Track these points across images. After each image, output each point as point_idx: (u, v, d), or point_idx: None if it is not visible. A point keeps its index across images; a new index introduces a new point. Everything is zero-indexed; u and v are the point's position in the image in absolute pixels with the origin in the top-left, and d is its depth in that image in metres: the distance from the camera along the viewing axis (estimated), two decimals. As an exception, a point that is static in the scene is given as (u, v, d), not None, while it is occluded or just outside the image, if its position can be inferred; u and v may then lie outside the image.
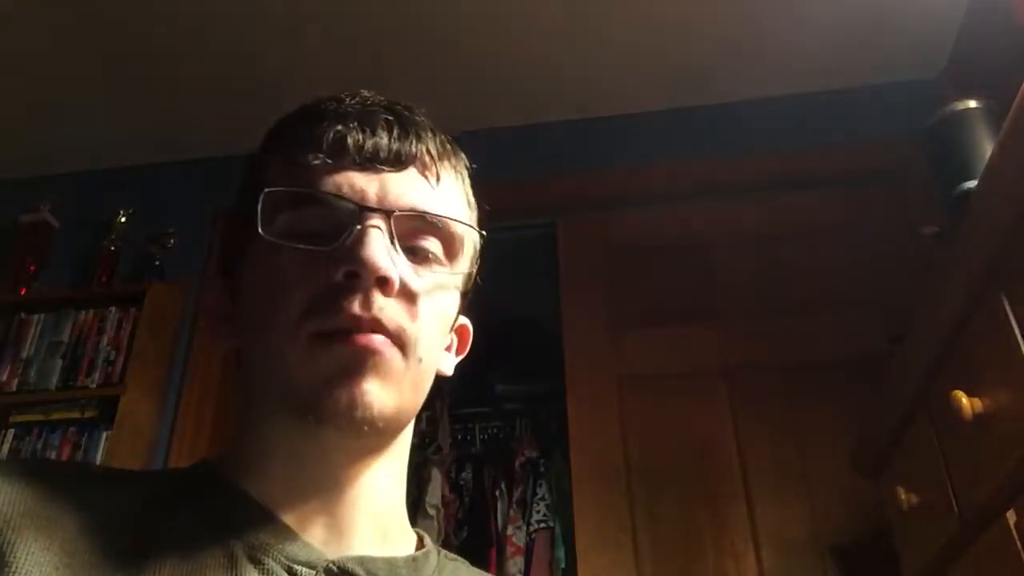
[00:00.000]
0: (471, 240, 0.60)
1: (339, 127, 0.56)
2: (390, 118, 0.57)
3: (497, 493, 2.58)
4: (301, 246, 0.52)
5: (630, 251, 2.21)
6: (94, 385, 2.05)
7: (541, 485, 2.52)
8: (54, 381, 2.07)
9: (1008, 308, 0.93)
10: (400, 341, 0.52)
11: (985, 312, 0.98)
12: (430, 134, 0.59)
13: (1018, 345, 0.90)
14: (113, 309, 2.16)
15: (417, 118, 0.59)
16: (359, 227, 0.52)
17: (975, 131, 1.34)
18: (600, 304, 2.13)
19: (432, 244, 0.57)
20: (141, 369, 2.06)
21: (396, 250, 0.53)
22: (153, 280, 2.22)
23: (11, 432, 2.01)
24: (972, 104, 1.37)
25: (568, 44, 2.18)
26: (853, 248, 2.09)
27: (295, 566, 0.51)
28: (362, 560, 0.53)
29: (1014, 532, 0.93)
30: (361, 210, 0.53)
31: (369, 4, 2.05)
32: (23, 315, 2.19)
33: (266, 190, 0.54)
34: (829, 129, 2.22)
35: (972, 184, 1.24)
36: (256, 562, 0.50)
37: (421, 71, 2.19)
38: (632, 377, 2.03)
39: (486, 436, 2.88)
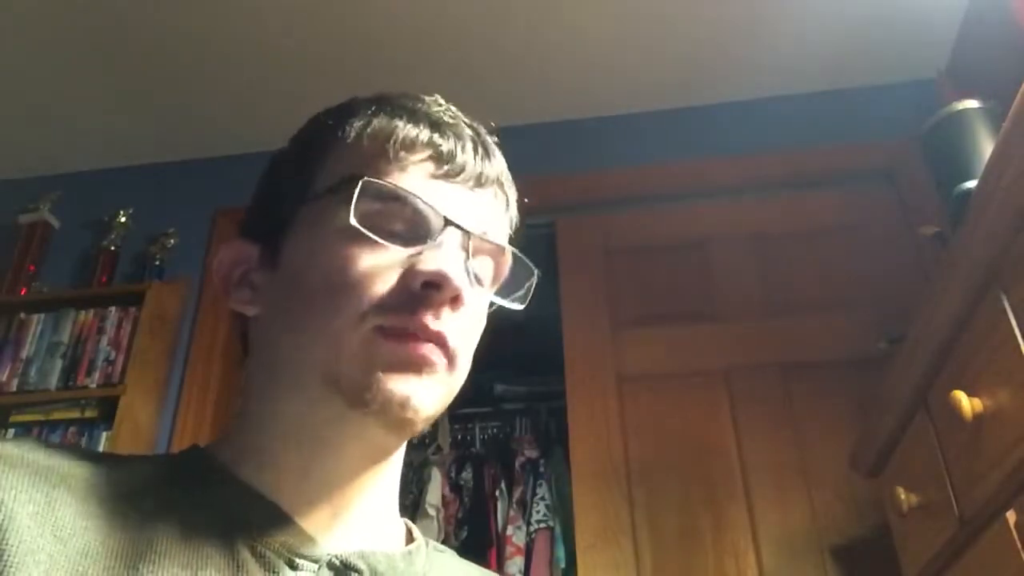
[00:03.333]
0: (509, 267, 0.62)
1: (435, 134, 0.57)
2: (474, 136, 0.59)
3: (497, 493, 2.57)
4: (383, 242, 0.53)
5: (630, 251, 2.21)
6: (94, 385, 2.05)
7: (541, 485, 2.52)
8: (54, 381, 2.07)
9: (1008, 308, 0.93)
10: (452, 355, 0.54)
11: (985, 312, 0.98)
12: (501, 158, 0.61)
13: (1018, 345, 0.90)
14: (113, 309, 2.16)
15: (493, 138, 0.62)
16: (441, 239, 0.54)
17: (975, 131, 1.34)
18: (600, 304, 2.13)
19: (486, 268, 0.59)
20: (141, 369, 2.07)
21: (470, 271, 0.55)
22: (153, 280, 2.23)
23: (11, 432, 2.01)
24: (972, 104, 1.37)
25: (568, 44, 2.18)
26: (853, 248, 2.09)
27: (296, 559, 0.51)
28: (363, 554, 0.53)
29: (1014, 532, 0.92)
30: (446, 223, 0.54)
31: (368, 6, 2.05)
32: (23, 315, 2.19)
33: (366, 178, 0.54)
34: (829, 129, 2.22)
35: (972, 184, 1.24)
36: (257, 554, 0.50)
37: (421, 71, 2.19)
38: (632, 377, 2.03)
39: (486, 436, 2.88)
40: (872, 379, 1.48)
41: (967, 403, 0.99)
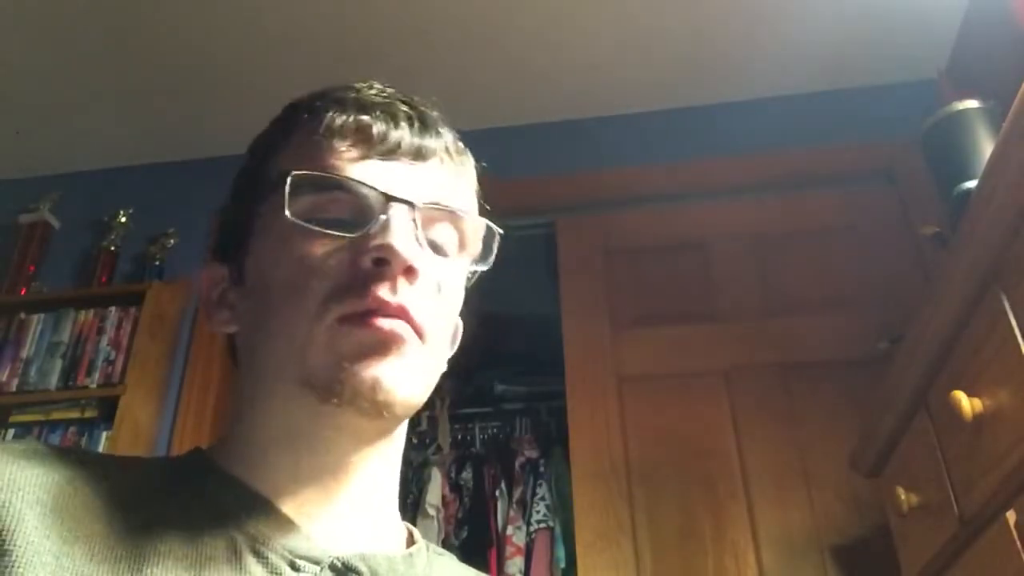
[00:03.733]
0: (479, 235, 0.61)
1: (364, 117, 0.57)
2: (411, 112, 0.59)
3: (497, 493, 2.57)
4: (328, 231, 0.53)
5: (630, 251, 2.21)
6: (94, 385, 2.05)
7: (541, 485, 2.52)
8: (54, 381, 2.07)
9: (1008, 308, 0.93)
10: (420, 330, 0.53)
11: (985, 312, 0.98)
12: (446, 130, 0.61)
13: (1018, 345, 0.90)
14: (113, 309, 2.16)
15: (434, 113, 0.61)
16: (385, 216, 0.53)
17: (975, 131, 1.34)
18: (600, 304, 2.13)
19: (448, 235, 0.58)
20: (141, 369, 2.07)
21: (421, 240, 0.54)
22: (153, 280, 2.23)
23: (11, 432, 2.01)
24: (972, 104, 1.37)
25: (568, 44, 2.18)
26: (853, 248, 2.09)
27: (298, 560, 0.51)
28: (364, 556, 0.53)
29: (1014, 532, 0.92)
30: (387, 199, 0.54)
31: (368, 7, 2.05)
32: (23, 315, 2.19)
33: (294, 172, 0.54)
34: (829, 129, 2.22)
35: (972, 184, 1.24)
36: (259, 555, 0.50)
37: (421, 72, 2.19)
38: (632, 377, 2.03)
39: (486, 436, 2.88)
40: (872, 379, 1.48)
41: (967, 403, 0.99)
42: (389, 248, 0.51)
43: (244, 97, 2.32)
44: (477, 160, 0.64)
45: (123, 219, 2.37)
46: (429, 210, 0.56)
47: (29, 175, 2.52)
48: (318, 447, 0.55)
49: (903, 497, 1.24)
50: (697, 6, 2.06)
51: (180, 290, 2.27)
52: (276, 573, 0.50)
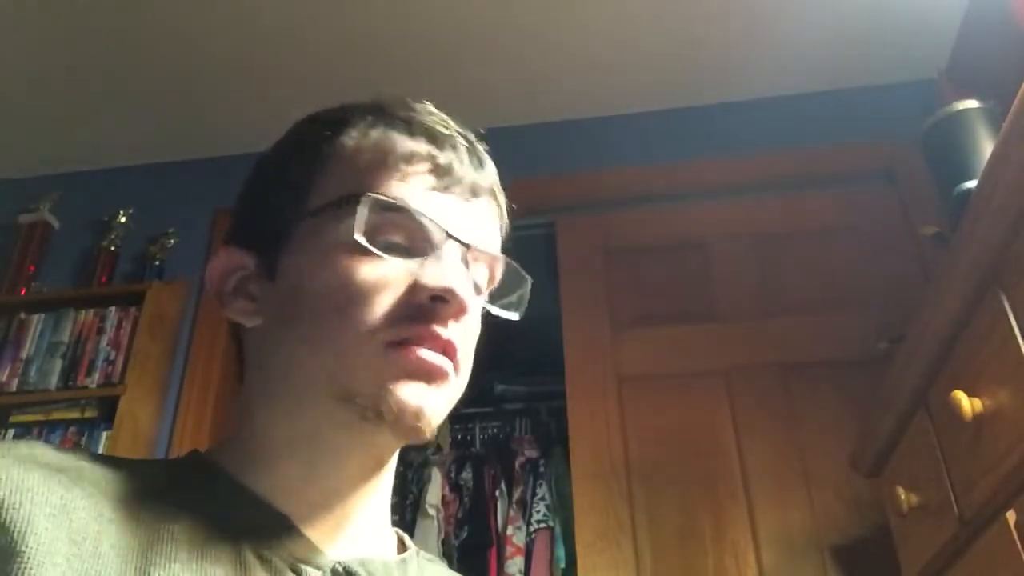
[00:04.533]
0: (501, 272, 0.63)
1: (433, 148, 0.58)
2: (468, 146, 0.60)
3: (497, 493, 2.57)
4: (388, 256, 0.54)
5: (630, 251, 2.21)
6: (94, 385, 2.05)
7: (541, 485, 2.52)
8: (54, 381, 2.07)
9: (1008, 308, 0.93)
10: (457, 365, 0.56)
11: (985, 312, 0.98)
12: (493, 167, 0.63)
13: (1018, 345, 0.90)
14: (113, 309, 2.16)
15: (484, 146, 0.63)
16: (442, 252, 0.55)
17: (975, 131, 1.34)
18: (600, 304, 2.13)
19: (481, 275, 0.60)
20: (141, 369, 2.06)
21: (470, 281, 0.57)
22: (153, 280, 2.23)
23: (11, 432, 2.01)
24: (972, 104, 1.37)
25: (568, 44, 2.18)
26: (853, 248, 2.09)
27: (301, 565, 0.51)
28: (362, 561, 0.54)
29: (1014, 532, 0.93)
30: (447, 236, 0.55)
31: (368, 7, 2.05)
32: (23, 315, 2.19)
33: (371, 195, 0.54)
34: (829, 129, 2.22)
35: (972, 184, 1.24)
36: (263, 560, 0.50)
37: (420, 72, 2.19)
38: (632, 377, 2.03)
39: (486, 436, 2.88)
40: (872, 379, 1.48)
41: (967, 403, 0.99)
42: (451, 290, 0.53)
43: (244, 97, 2.32)
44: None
45: (123, 219, 2.37)
46: (476, 251, 0.58)
47: (29, 175, 2.52)
48: (336, 462, 0.55)
49: (903, 497, 1.24)
50: (697, 6, 2.06)
51: (180, 290, 2.27)
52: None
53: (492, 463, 2.67)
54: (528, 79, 2.29)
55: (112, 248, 2.34)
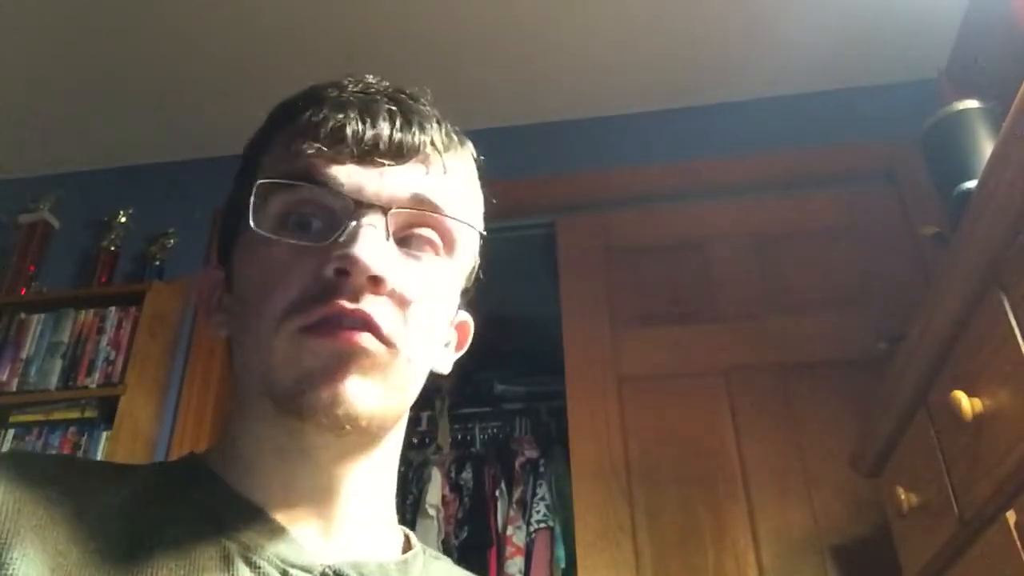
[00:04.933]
0: (473, 234, 0.60)
1: (339, 115, 0.54)
2: (392, 107, 0.56)
3: (497, 493, 2.57)
4: (292, 240, 0.52)
5: (630, 251, 2.21)
6: (94, 385, 2.05)
7: (541, 485, 2.52)
8: (54, 381, 2.06)
9: (1008, 308, 0.93)
10: (389, 340, 0.51)
11: (985, 312, 0.98)
12: (435, 124, 0.58)
13: (1018, 345, 0.90)
14: (113, 309, 2.16)
15: (422, 107, 0.58)
16: (354, 223, 0.51)
17: (975, 131, 1.34)
18: (600, 304, 2.12)
19: (430, 235, 0.56)
20: (141, 369, 2.06)
21: (391, 247, 0.52)
22: (153, 280, 2.22)
23: (11, 432, 2.01)
24: (972, 104, 1.37)
25: (568, 44, 2.18)
26: (853, 248, 2.09)
27: (290, 569, 0.51)
28: (356, 564, 0.53)
29: (1014, 532, 0.92)
30: (356, 205, 0.52)
31: (368, 6, 2.05)
32: (23, 315, 2.19)
33: (259, 181, 0.53)
34: (829, 129, 2.22)
35: (972, 184, 1.24)
36: (251, 564, 0.50)
37: (420, 72, 2.19)
38: (632, 377, 2.03)
39: (486, 436, 2.88)
40: (872, 379, 1.48)
41: (967, 403, 0.99)
42: (350, 258, 0.49)
43: (244, 97, 2.31)
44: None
45: (123, 219, 2.37)
46: (406, 213, 0.54)
47: (29, 175, 2.52)
48: (304, 461, 0.54)
49: (903, 497, 1.24)
50: (697, 6, 2.06)
51: (180, 290, 2.27)
52: None
53: (492, 463, 2.67)
54: (528, 79, 2.29)
55: (112, 248, 2.34)
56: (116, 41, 2.15)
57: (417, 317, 0.53)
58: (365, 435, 0.53)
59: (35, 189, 2.46)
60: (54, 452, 1.96)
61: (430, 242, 0.56)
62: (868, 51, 2.17)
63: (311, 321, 0.50)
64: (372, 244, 0.50)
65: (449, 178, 0.57)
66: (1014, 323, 0.91)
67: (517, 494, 2.53)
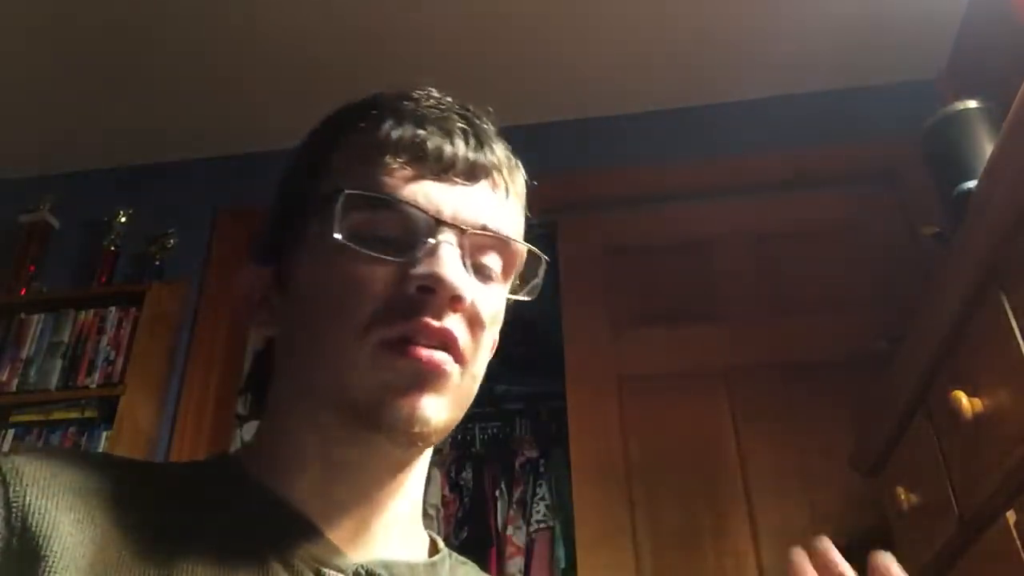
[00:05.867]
0: (523, 260, 0.61)
1: (419, 131, 0.55)
2: (465, 127, 0.57)
3: (497, 493, 2.57)
4: (375, 253, 0.52)
5: (630, 251, 2.21)
6: (94, 385, 2.05)
7: (541, 485, 2.52)
8: (54, 381, 2.07)
9: (1008, 308, 0.93)
10: (462, 358, 0.53)
11: (985, 312, 0.98)
12: (500, 145, 0.60)
13: (1018, 345, 0.90)
14: (113, 309, 2.16)
15: (487, 126, 0.60)
16: (433, 241, 0.53)
17: (975, 131, 1.34)
18: (600, 304, 2.12)
19: (494, 261, 0.57)
20: (141, 369, 2.06)
21: (468, 268, 0.54)
22: (153, 280, 2.22)
23: (11, 432, 2.01)
24: (972, 104, 1.37)
25: (568, 44, 2.18)
26: (853, 248, 2.09)
27: (324, 568, 0.52)
28: (386, 564, 0.54)
29: (1014, 532, 0.93)
30: (437, 223, 0.53)
31: (369, 5, 2.05)
32: (23, 315, 2.19)
33: (346, 192, 0.53)
34: (829, 129, 2.22)
35: (972, 184, 1.24)
36: (285, 563, 0.51)
37: (421, 71, 2.19)
38: (632, 377, 2.03)
39: (486, 436, 2.87)
40: (872, 379, 1.48)
41: (967, 403, 0.99)
42: (436, 277, 0.51)
43: (244, 97, 2.32)
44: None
45: (123, 219, 2.37)
46: (477, 236, 0.55)
47: (29, 175, 2.52)
48: (352, 468, 0.55)
49: (903, 497, 1.24)
50: (697, 7, 2.06)
51: (180, 290, 2.27)
52: None
53: (492, 463, 2.67)
54: (528, 79, 2.29)
55: (112, 248, 2.34)
56: (116, 41, 2.14)
57: (485, 336, 0.56)
58: (428, 447, 0.55)
59: (35, 189, 2.46)
60: (54, 452, 1.96)
61: (495, 266, 0.57)
62: (868, 51, 2.17)
63: (393, 335, 0.51)
64: (455, 264, 0.52)
65: (511, 202, 0.60)
66: (1014, 323, 0.91)
67: (517, 494, 2.53)
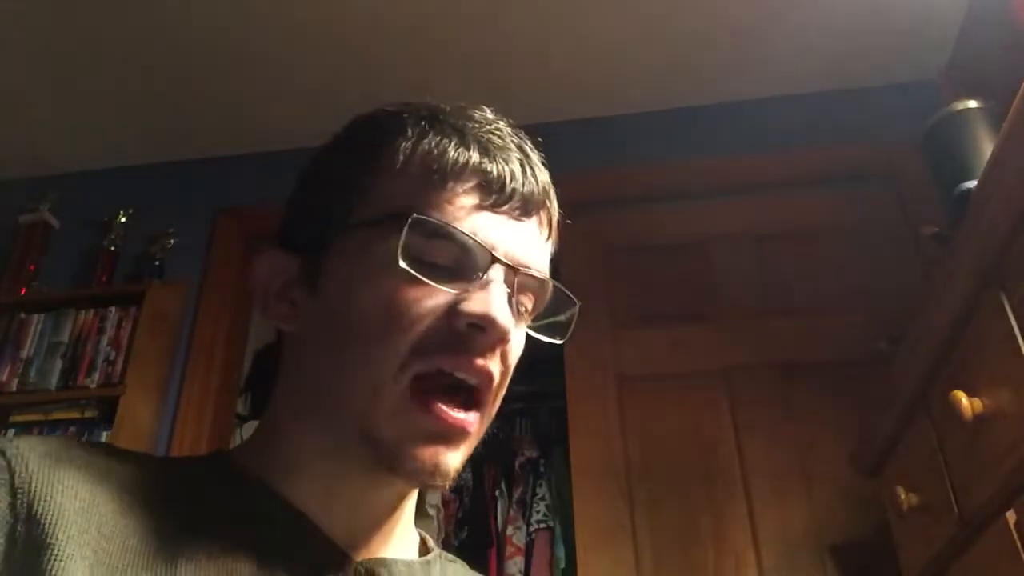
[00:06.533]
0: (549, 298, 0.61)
1: (484, 160, 0.55)
2: (522, 158, 0.58)
3: (497, 493, 2.57)
4: (431, 282, 0.52)
5: (630, 251, 2.21)
6: (94, 385, 2.05)
7: (541, 485, 2.52)
8: (54, 381, 2.07)
9: (1008, 308, 0.93)
10: (487, 403, 0.54)
11: (985, 312, 0.98)
12: (546, 176, 0.60)
13: (1018, 345, 0.90)
14: (113, 309, 2.16)
15: (537, 156, 0.60)
16: (486, 275, 0.53)
17: (975, 131, 1.34)
18: (600, 304, 2.12)
19: (528, 301, 0.58)
20: (141, 369, 2.06)
21: (514, 308, 0.54)
22: (153, 280, 2.23)
23: (11, 432, 2.01)
24: (972, 104, 1.37)
25: (568, 44, 2.18)
26: (853, 248, 2.09)
27: (323, 564, 0.52)
28: (384, 562, 0.55)
29: (1014, 532, 0.92)
30: (493, 260, 0.53)
31: (369, 8, 2.05)
32: (23, 315, 2.19)
33: (415, 215, 0.52)
34: (829, 129, 2.22)
35: (972, 184, 1.24)
36: (286, 560, 0.51)
37: (420, 71, 2.19)
38: (632, 377, 2.03)
39: (486, 436, 2.86)
40: (872, 379, 1.48)
41: (967, 403, 0.99)
42: (491, 319, 0.51)
43: (243, 97, 2.32)
44: None
45: (123, 219, 2.37)
46: (524, 276, 0.55)
47: (29, 175, 2.52)
48: (359, 488, 0.55)
49: (903, 497, 1.24)
50: (697, 7, 2.06)
51: (180, 290, 2.27)
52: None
53: (492, 463, 2.67)
54: (528, 80, 2.29)
55: (112, 248, 2.34)
56: (116, 41, 2.14)
57: (509, 374, 0.57)
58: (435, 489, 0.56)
59: (35, 189, 2.46)
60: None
61: (529, 305, 0.58)
62: (868, 51, 2.17)
63: (431, 369, 0.51)
64: (505, 305, 0.52)
65: (551, 242, 0.61)
66: (1014, 323, 0.91)
67: (517, 494, 2.53)
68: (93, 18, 2.07)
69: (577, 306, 0.60)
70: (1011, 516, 0.93)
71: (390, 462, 0.51)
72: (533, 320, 0.59)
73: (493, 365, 0.53)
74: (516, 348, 0.57)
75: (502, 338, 0.52)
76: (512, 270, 0.54)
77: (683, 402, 1.97)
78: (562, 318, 0.60)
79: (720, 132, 2.28)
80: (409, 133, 0.57)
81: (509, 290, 0.54)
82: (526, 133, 0.61)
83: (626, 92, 2.33)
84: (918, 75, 2.11)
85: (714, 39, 2.16)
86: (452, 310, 0.52)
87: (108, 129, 2.42)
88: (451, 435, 0.52)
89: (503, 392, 0.57)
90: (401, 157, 0.55)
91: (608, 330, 2.09)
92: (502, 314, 0.51)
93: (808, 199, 2.20)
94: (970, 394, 0.99)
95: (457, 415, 0.52)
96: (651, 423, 1.96)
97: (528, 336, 0.59)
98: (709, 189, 2.25)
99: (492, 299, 0.51)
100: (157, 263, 2.30)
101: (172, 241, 2.33)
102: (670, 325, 2.08)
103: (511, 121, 0.61)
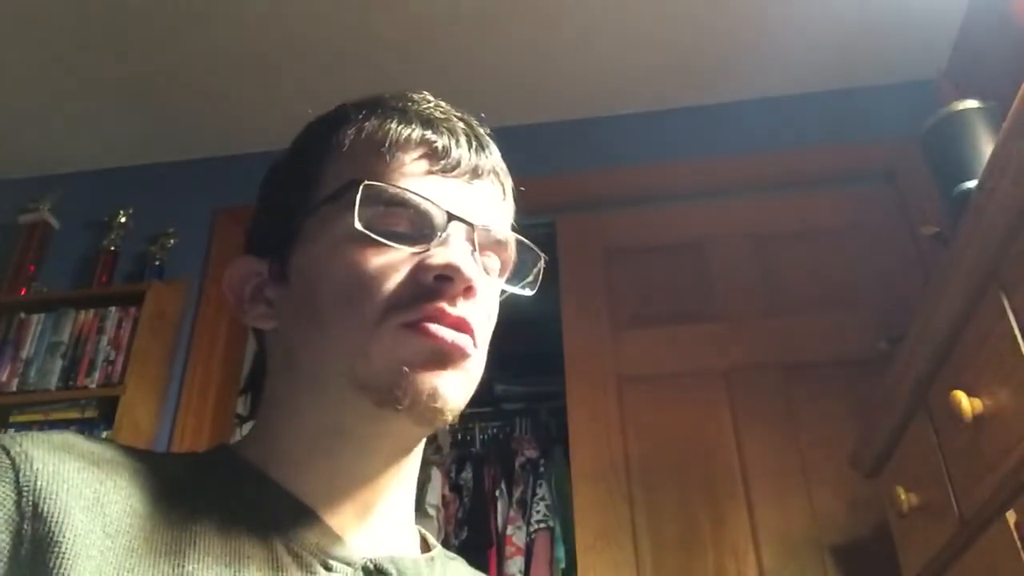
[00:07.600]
0: (515, 256, 0.63)
1: (428, 131, 0.58)
2: (468, 129, 0.60)
3: (497, 493, 2.57)
4: (391, 243, 0.54)
5: (630, 251, 2.21)
6: (94, 385, 2.05)
7: (541, 485, 2.52)
8: (54, 381, 2.07)
9: (1008, 308, 0.93)
10: (477, 341, 0.55)
11: (985, 312, 0.98)
12: (496, 149, 0.62)
13: (1018, 345, 0.90)
14: (113, 309, 2.16)
15: (484, 130, 0.62)
16: (445, 233, 0.55)
17: (975, 131, 1.34)
18: (600, 304, 2.12)
19: (492, 259, 0.60)
20: (141, 369, 2.06)
21: (477, 260, 0.56)
22: (153, 280, 2.22)
23: (11, 432, 2.01)
24: (972, 104, 1.37)
25: (568, 44, 2.18)
26: (852, 248, 2.09)
27: (332, 561, 0.52)
28: (393, 559, 0.55)
29: (1014, 532, 0.93)
30: (450, 217, 0.55)
31: (367, 8, 2.05)
32: (23, 315, 2.19)
33: (366, 183, 0.54)
34: (829, 129, 2.22)
35: (972, 184, 1.24)
36: (294, 555, 0.51)
37: (421, 71, 2.19)
38: (632, 377, 2.03)
39: (486, 436, 2.88)
40: (872, 379, 1.48)
41: (967, 403, 0.99)
42: (454, 267, 0.53)
43: (243, 97, 2.32)
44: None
45: (123, 219, 2.37)
46: (483, 232, 0.57)
47: (29, 175, 2.52)
48: (360, 451, 0.56)
49: (903, 497, 1.24)
50: (697, 7, 2.06)
51: (180, 290, 2.27)
52: (310, 572, 0.51)
53: (492, 463, 2.67)
54: (528, 79, 2.29)
55: (112, 248, 2.34)
56: (116, 41, 2.14)
57: (488, 327, 0.59)
58: (441, 425, 0.57)
59: (35, 189, 2.46)
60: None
61: (494, 264, 0.60)
62: (868, 51, 2.17)
63: (412, 319, 0.53)
64: (468, 255, 0.55)
65: (507, 204, 0.63)
66: (1014, 323, 0.91)
67: (517, 494, 2.53)
68: (93, 18, 2.07)
69: (543, 259, 0.62)
70: (1011, 516, 0.93)
71: (390, 392, 0.52)
72: (511, 281, 0.62)
73: (467, 312, 0.54)
74: (489, 304, 0.58)
75: (468, 285, 0.53)
76: (470, 227, 0.56)
77: (683, 402, 1.97)
78: (530, 276, 0.63)
79: (720, 132, 2.28)
80: (352, 119, 0.60)
81: (470, 246, 0.56)
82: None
83: (626, 92, 2.33)
84: (918, 75, 2.11)
85: (714, 40, 2.16)
86: (418, 267, 0.54)
87: (108, 129, 2.42)
88: (448, 356, 0.53)
89: (484, 349, 0.58)
90: (347, 141, 0.58)
91: (608, 330, 2.09)
92: (466, 263, 0.53)
93: (808, 199, 2.20)
94: (970, 394, 0.99)
95: (450, 332, 0.53)
96: (651, 423, 1.96)
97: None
98: (709, 189, 2.25)
99: (453, 251, 0.54)
100: (157, 263, 2.30)
101: (172, 241, 2.33)
102: (670, 325, 2.08)
103: (454, 105, 0.62)
